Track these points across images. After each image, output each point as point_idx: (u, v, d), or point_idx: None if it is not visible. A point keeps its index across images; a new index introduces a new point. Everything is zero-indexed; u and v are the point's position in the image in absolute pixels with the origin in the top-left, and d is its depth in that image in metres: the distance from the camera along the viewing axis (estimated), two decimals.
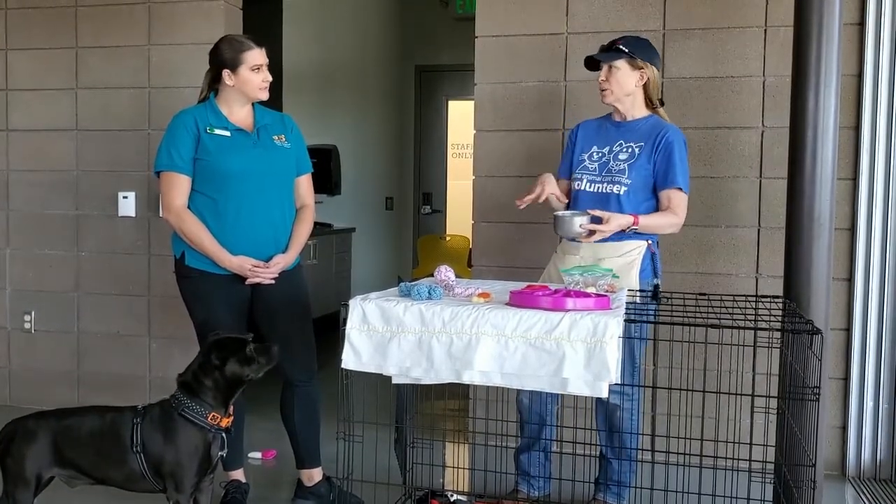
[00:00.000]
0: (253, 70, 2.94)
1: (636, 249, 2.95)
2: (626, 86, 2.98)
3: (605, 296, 2.41)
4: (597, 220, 2.82)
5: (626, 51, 2.95)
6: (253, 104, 3.06)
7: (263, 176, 2.98)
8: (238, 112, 3.02)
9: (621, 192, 2.95)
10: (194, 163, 2.95)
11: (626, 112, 3.03)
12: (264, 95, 3.00)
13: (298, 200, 3.18)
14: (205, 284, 2.98)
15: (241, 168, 2.94)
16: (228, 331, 3.01)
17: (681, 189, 2.95)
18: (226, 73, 2.96)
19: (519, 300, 2.36)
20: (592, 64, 3.05)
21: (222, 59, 2.97)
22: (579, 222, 2.82)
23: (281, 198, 3.05)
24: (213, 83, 3.03)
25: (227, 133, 2.97)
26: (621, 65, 2.96)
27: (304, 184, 3.19)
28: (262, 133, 3.03)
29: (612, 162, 3.00)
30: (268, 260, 2.99)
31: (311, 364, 3.12)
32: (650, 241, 2.99)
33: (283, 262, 3.02)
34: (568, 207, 3.09)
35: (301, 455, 3.17)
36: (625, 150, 3.00)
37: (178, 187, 2.95)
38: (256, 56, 2.95)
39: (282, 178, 3.06)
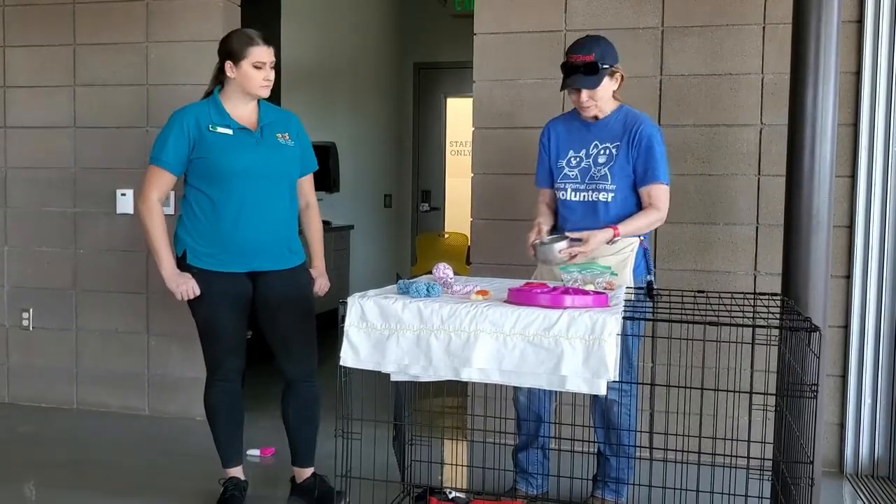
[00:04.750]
0: (255, 66, 2.93)
1: (629, 247, 2.95)
2: (607, 96, 2.95)
3: (604, 293, 2.41)
4: (577, 237, 2.81)
5: (608, 66, 2.89)
6: (259, 101, 3.05)
7: (266, 175, 2.98)
8: (242, 109, 3.01)
9: (609, 199, 2.94)
10: (196, 161, 2.95)
11: (601, 114, 2.99)
12: (264, 93, 2.99)
13: (302, 199, 3.20)
14: (206, 282, 2.98)
15: (242, 167, 2.93)
16: (230, 329, 3.02)
17: (661, 182, 2.92)
18: (228, 64, 2.95)
19: (518, 298, 2.36)
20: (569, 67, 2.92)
21: (227, 50, 2.97)
22: (559, 248, 2.79)
23: (283, 197, 3.04)
24: (220, 75, 3.02)
25: (230, 131, 2.96)
26: (604, 81, 2.90)
27: (308, 182, 3.21)
28: (266, 131, 3.02)
29: (592, 167, 2.98)
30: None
31: (310, 364, 3.11)
32: (642, 237, 3.00)
33: (323, 280, 3.23)
34: (555, 215, 3.08)
35: (296, 453, 3.18)
36: (602, 152, 2.97)
37: (159, 182, 2.98)
38: (262, 53, 2.94)
39: (284, 177, 3.05)
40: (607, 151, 2.96)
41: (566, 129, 3.08)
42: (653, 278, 2.97)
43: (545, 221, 3.06)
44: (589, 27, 3.72)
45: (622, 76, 2.97)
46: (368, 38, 7.37)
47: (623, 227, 2.85)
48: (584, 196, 2.99)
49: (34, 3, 4.41)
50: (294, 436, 3.16)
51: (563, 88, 2.95)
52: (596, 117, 3.00)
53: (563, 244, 2.79)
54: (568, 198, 3.03)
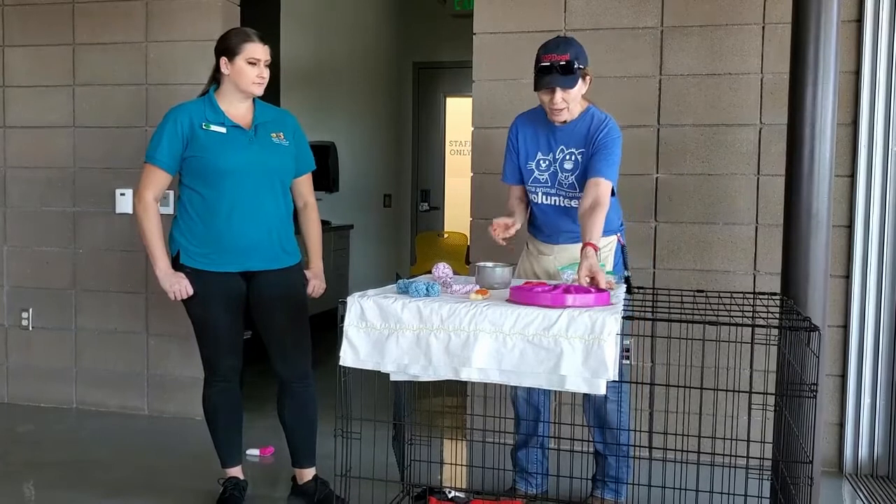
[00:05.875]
0: (250, 63, 2.93)
1: (608, 245, 2.95)
2: (578, 98, 2.90)
3: (605, 292, 2.41)
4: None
5: (582, 67, 2.84)
6: (255, 101, 3.05)
7: (258, 174, 2.97)
8: (237, 107, 3.01)
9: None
10: (188, 160, 2.95)
11: (569, 118, 2.93)
12: (257, 90, 2.98)
13: (300, 199, 3.20)
14: (200, 282, 2.97)
15: (234, 166, 2.93)
16: (225, 329, 3.02)
17: (609, 179, 2.85)
18: (223, 60, 2.95)
19: (519, 297, 2.35)
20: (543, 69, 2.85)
21: (223, 46, 2.96)
22: (499, 274, 2.68)
23: (276, 196, 3.04)
24: (217, 73, 3.02)
25: (223, 130, 2.96)
26: (578, 82, 2.85)
27: (306, 182, 3.20)
28: (260, 130, 3.01)
29: (560, 173, 2.96)
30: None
31: (304, 365, 3.10)
32: (619, 234, 3.01)
33: (318, 281, 3.20)
34: (530, 215, 3.08)
35: (295, 454, 3.18)
36: (567, 157, 2.94)
37: (154, 181, 2.98)
38: (256, 49, 2.94)
39: (277, 177, 3.04)
40: (573, 157, 2.93)
41: (533, 130, 3.02)
42: (629, 273, 2.98)
43: (518, 220, 2.97)
44: (588, 27, 3.72)
45: (591, 78, 2.93)
46: (368, 37, 7.37)
47: (595, 239, 2.69)
48: (556, 201, 2.99)
49: (34, 2, 4.41)
50: (292, 437, 3.16)
51: (537, 89, 2.87)
52: (564, 121, 2.94)
53: (504, 270, 2.69)
54: (540, 201, 3.02)
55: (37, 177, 4.47)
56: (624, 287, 2.71)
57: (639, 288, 2.84)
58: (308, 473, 3.18)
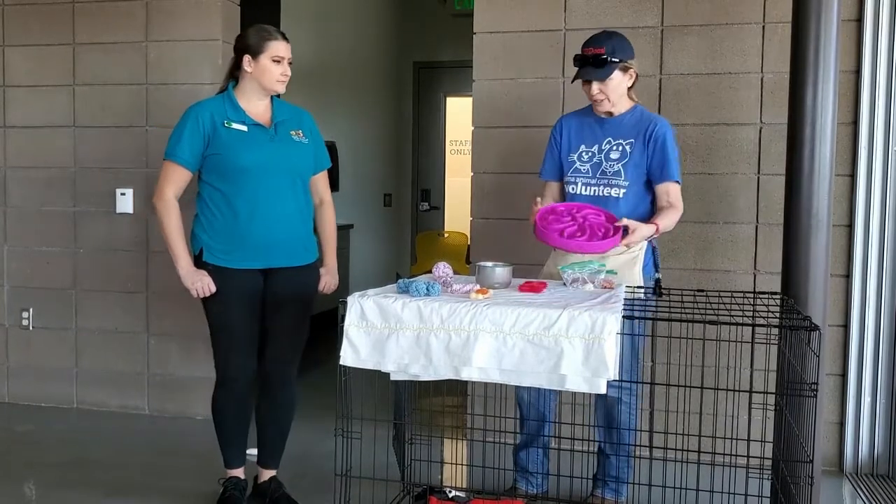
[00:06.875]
0: (274, 60, 2.94)
1: (638, 245, 2.95)
2: (620, 91, 2.97)
3: (618, 234, 2.67)
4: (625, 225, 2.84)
5: (618, 60, 2.92)
6: (272, 99, 3.05)
7: (280, 171, 2.98)
8: (256, 105, 3.01)
9: (620, 195, 2.95)
10: (210, 157, 2.95)
11: (614, 110, 3.01)
12: (280, 88, 3.00)
13: (316, 196, 3.22)
14: (221, 279, 2.97)
15: (256, 163, 2.93)
16: (243, 328, 3.00)
17: (677, 182, 2.97)
18: (246, 58, 2.96)
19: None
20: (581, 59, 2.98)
21: (246, 44, 2.97)
22: (498, 273, 2.71)
23: (297, 194, 3.05)
24: (234, 70, 3.02)
25: (244, 127, 2.96)
26: (615, 75, 2.93)
27: (322, 180, 3.23)
28: (280, 128, 3.02)
29: (604, 162, 2.99)
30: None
31: (293, 367, 3.11)
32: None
33: (331, 278, 3.24)
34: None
35: (265, 454, 3.18)
36: (615, 148, 2.99)
37: (174, 179, 2.97)
38: (280, 48, 2.95)
39: (299, 174, 3.06)
40: (620, 148, 2.98)
41: (579, 125, 3.10)
42: (660, 276, 2.99)
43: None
44: (588, 26, 3.71)
45: (636, 73, 2.99)
46: (368, 37, 7.38)
47: (662, 223, 2.87)
48: (595, 191, 3.00)
49: (34, 2, 4.40)
50: (264, 437, 3.17)
51: (573, 80, 3.01)
52: (610, 113, 3.01)
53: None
54: (578, 192, 3.04)
55: (37, 177, 4.47)
56: (624, 286, 2.71)
57: (667, 291, 2.80)
58: (269, 473, 3.19)
